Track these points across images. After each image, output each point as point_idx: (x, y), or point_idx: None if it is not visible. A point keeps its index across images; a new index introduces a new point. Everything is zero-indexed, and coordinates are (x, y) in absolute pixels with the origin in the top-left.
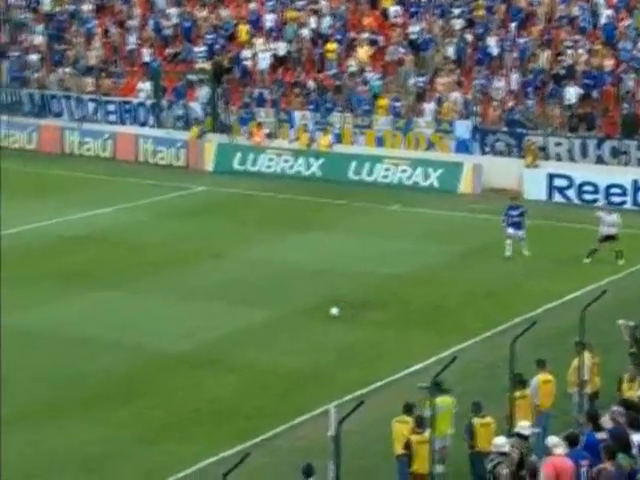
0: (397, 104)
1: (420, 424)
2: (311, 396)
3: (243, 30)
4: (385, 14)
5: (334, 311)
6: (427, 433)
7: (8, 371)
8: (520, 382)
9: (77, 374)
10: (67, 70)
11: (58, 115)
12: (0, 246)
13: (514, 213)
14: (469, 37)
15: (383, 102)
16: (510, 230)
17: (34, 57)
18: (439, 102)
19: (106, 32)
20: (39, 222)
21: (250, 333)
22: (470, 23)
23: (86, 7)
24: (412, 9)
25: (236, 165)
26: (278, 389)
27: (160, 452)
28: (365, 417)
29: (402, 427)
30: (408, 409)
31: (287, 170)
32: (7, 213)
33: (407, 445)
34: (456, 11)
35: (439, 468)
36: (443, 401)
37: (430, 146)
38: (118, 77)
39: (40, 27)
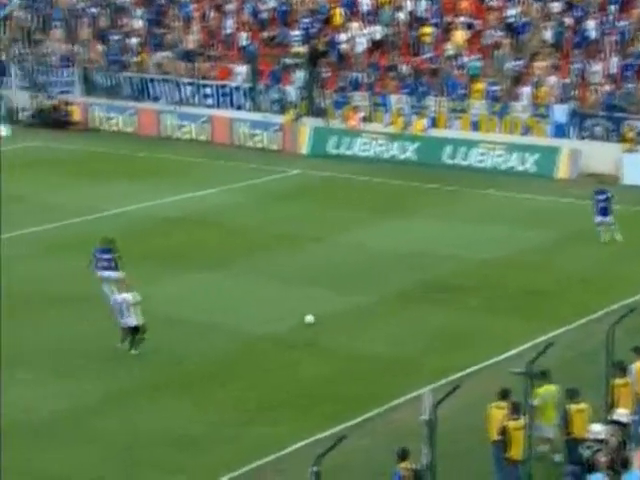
0: (493, 88)
1: (516, 410)
2: (405, 380)
3: (337, 14)
4: None
5: (309, 318)
6: (523, 419)
7: (108, 351)
8: (621, 369)
9: (174, 356)
10: (165, 54)
11: (156, 99)
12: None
13: (601, 197)
14: (567, 20)
15: (479, 86)
16: (598, 218)
17: (134, 41)
18: (536, 86)
19: (204, 16)
20: (137, 204)
21: (344, 317)
22: (569, 6)
23: None
24: None
25: (331, 149)
26: (372, 373)
27: (255, 433)
28: (458, 402)
29: (498, 413)
30: (504, 395)
31: (382, 154)
32: (106, 195)
33: (503, 431)
34: None
35: (557, 457)
36: (548, 390)
37: (526, 130)
38: (215, 61)
39: (140, 11)
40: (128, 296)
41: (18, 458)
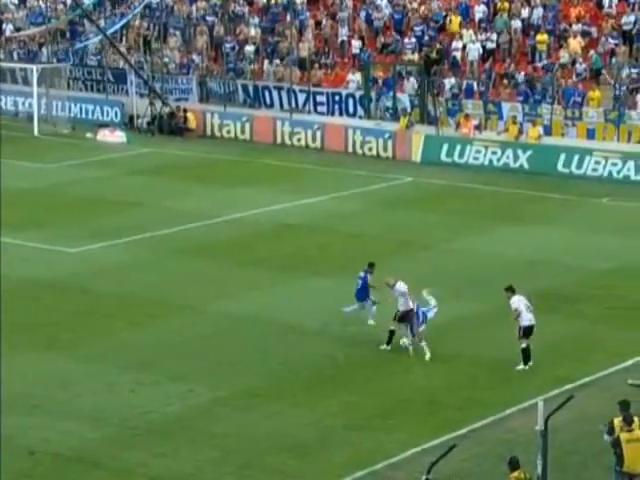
0: (609, 96)
1: (628, 421)
2: (519, 388)
3: (455, 21)
4: (600, 4)
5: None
6: (638, 431)
7: (221, 355)
8: None
9: (287, 360)
10: (279, 62)
11: (270, 106)
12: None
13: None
14: None
15: (595, 94)
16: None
17: (249, 49)
18: None
19: (318, 24)
20: (252, 210)
21: (458, 324)
22: None
23: None
24: None
25: (443, 156)
26: (486, 381)
27: (367, 440)
28: (573, 413)
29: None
30: (622, 407)
31: (494, 162)
32: (222, 201)
33: (615, 443)
34: None
35: None
36: None
37: None
38: (329, 68)
39: (255, 19)
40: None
41: (135, 459)
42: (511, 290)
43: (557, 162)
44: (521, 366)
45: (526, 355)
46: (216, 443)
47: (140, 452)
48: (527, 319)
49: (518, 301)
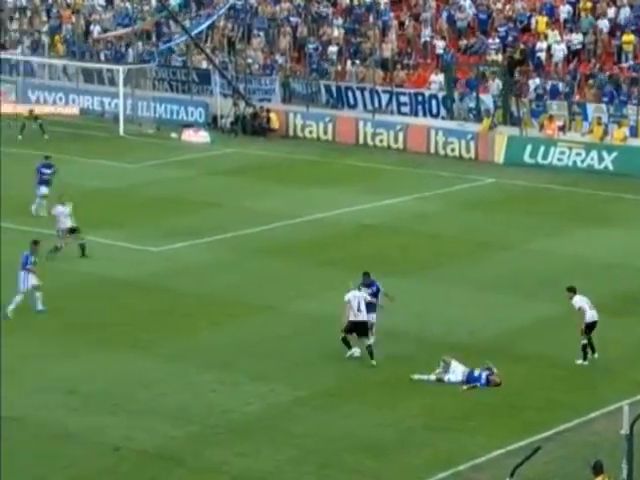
0: None
1: None
2: (602, 391)
3: (542, 22)
4: None
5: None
6: None
7: (300, 355)
8: None
9: (366, 361)
10: (362, 62)
11: (353, 106)
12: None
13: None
14: None
15: None
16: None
17: (332, 49)
18: None
19: (401, 25)
20: (333, 210)
21: (537, 325)
22: None
23: (383, 0)
24: None
25: (526, 158)
26: (568, 382)
27: (448, 441)
28: None
29: None
30: None
31: (579, 163)
32: (304, 201)
33: None
34: None
35: None
36: None
37: None
38: (411, 69)
39: (339, 20)
40: None
41: (217, 458)
42: (572, 290)
43: None
44: (580, 361)
45: (585, 352)
46: (296, 443)
47: (222, 450)
48: (590, 316)
49: (580, 300)
